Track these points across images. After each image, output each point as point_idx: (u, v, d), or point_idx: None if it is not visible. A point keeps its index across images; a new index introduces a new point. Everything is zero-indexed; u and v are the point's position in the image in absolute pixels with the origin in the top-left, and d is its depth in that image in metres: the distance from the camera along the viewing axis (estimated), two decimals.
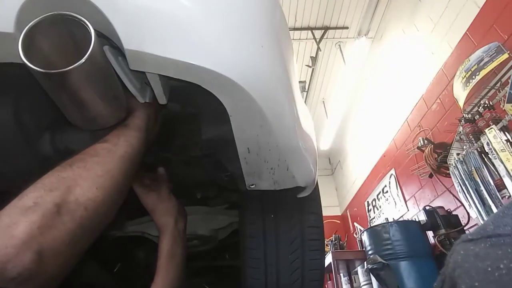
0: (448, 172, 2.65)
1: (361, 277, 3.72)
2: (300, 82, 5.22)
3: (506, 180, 1.96)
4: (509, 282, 0.38)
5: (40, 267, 0.43)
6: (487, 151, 2.14)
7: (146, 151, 0.70)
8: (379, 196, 4.72)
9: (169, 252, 0.89)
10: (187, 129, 0.85)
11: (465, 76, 2.57)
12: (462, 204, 2.51)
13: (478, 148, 2.26)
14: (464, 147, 2.43)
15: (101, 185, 0.53)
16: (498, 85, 2.35)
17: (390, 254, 2.73)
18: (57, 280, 0.48)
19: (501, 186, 2.05)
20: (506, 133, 2.07)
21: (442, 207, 2.98)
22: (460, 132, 2.48)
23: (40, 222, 0.44)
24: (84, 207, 0.49)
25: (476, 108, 2.45)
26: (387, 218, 4.26)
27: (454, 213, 2.92)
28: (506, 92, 2.09)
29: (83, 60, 0.47)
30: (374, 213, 4.88)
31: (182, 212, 0.97)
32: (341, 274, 4.10)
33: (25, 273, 0.41)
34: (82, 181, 0.51)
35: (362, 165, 5.39)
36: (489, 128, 2.13)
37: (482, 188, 2.15)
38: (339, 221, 6.25)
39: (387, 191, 4.45)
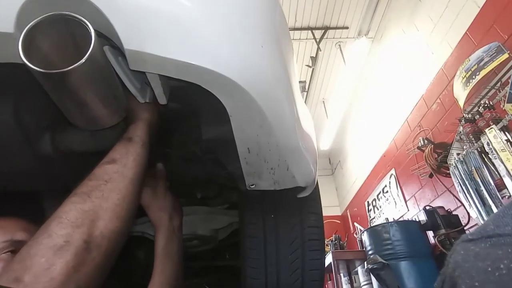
0: (448, 172, 2.65)
1: (361, 277, 3.71)
2: (300, 82, 5.21)
3: (506, 180, 1.96)
4: (509, 282, 0.38)
5: None
6: (487, 151, 2.14)
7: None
8: (379, 196, 4.72)
9: (164, 248, 0.89)
10: (187, 128, 0.85)
11: (465, 76, 2.57)
12: (462, 204, 2.51)
13: (478, 148, 2.26)
14: (464, 147, 2.43)
15: (119, 214, 0.55)
16: (498, 85, 2.35)
17: (390, 254, 2.73)
18: None
19: (501, 186, 2.04)
20: (506, 133, 2.07)
21: (442, 207, 2.98)
22: (460, 132, 2.48)
23: (74, 262, 0.45)
24: (108, 240, 0.51)
25: (476, 108, 2.44)
26: (387, 218, 4.26)
27: (454, 213, 2.92)
28: (506, 92, 2.09)
29: (83, 60, 0.47)
30: (374, 213, 4.88)
31: (177, 209, 0.97)
32: (341, 274, 4.10)
33: None
34: (103, 213, 0.52)
35: (362, 165, 5.39)
36: (489, 128, 2.13)
37: (482, 188, 2.15)
38: (339, 221, 6.25)
39: (387, 191, 4.45)
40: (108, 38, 0.55)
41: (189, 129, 0.84)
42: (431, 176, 3.15)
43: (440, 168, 2.88)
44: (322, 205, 1.16)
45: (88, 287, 0.47)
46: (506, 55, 2.26)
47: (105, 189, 0.55)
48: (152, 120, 0.72)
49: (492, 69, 2.34)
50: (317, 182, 1.03)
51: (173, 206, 0.95)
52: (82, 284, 0.46)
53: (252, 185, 0.85)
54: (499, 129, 2.09)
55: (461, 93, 2.62)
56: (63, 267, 0.44)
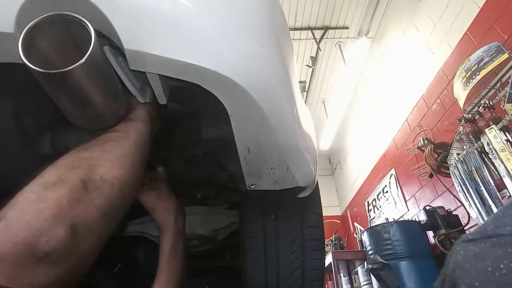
0: (448, 172, 2.65)
1: (361, 277, 3.72)
2: (300, 82, 5.22)
3: (506, 180, 1.96)
4: (510, 282, 0.38)
5: (74, 242, 0.40)
6: (487, 151, 2.14)
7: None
8: (379, 196, 4.72)
9: (171, 249, 0.90)
10: (187, 128, 0.85)
11: (465, 76, 2.57)
12: (462, 204, 2.51)
13: (478, 148, 2.26)
14: (464, 147, 2.43)
15: (123, 165, 0.52)
16: (498, 85, 2.35)
17: (390, 254, 2.73)
18: (89, 261, 0.46)
19: (501, 186, 2.04)
20: (506, 133, 2.07)
21: (442, 207, 2.98)
22: (460, 132, 2.48)
23: (69, 196, 0.42)
24: (110, 184, 0.48)
25: (476, 108, 2.45)
26: (387, 218, 4.26)
27: (454, 213, 2.92)
28: (506, 92, 2.09)
29: (83, 60, 0.47)
30: (374, 213, 4.88)
31: (181, 210, 0.98)
32: (341, 274, 4.10)
33: (59, 248, 0.38)
34: (103, 161, 0.50)
35: (362, 165, 5.39)
36: (489, 128, 2.13)
37: (482, 188, 2.15)
38: (339, 221, 6.25)
39: (387, 191, 4.45)
40: (108, 38, 0.55)
41: (189, 129, 0.84)
42: (431, 176, 3.15)
43: (440, 168, 2.88)
44: (322, 205, 1.16)
45: (88, 229, 0.43)
46: (506, 55, 2.26)
47: (105, 145, 0.53)
48: (154, 116, 0.73)
49: (492, 69, 2.34)
50: (317, 182, 1.02)
51: (177, 207, 0.97)
52: (80, 223, 0.42)
53: (252, 185, 0.85)
54: (499, 129, 2.09)
55: (461, 93, 2.62)
56: (56, 199, 0.41)
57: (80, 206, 0.43)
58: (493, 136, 2.06)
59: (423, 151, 3.07)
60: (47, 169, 0.46)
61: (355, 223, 5.27)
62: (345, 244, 4.64)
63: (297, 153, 0.79)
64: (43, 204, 0.40)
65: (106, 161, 0.50)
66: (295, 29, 4.50)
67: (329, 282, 4.54)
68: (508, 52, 2.27)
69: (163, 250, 0.90)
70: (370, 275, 3.02)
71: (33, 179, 0.45)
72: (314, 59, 4.86)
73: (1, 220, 0.37)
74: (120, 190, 0.50)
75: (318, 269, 1.06)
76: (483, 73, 2.38)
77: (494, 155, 2.06)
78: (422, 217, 2.88)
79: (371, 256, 2.81)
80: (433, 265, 2.64)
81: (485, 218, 2.13)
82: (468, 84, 2.51)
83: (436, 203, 3.17)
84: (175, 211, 0.95)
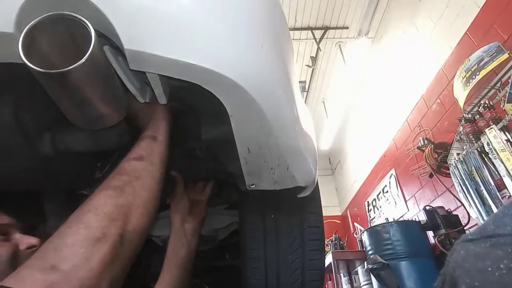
0: (448, 172, 2.65)
1: (362, 277, 3.72)
2: (300, 82, 5.22)
3: (506, 180, 1.96)
4: (510, 282, 0.38)
5: None
6: (487, 151, 2.14)
7: None
8: (379, 196, 4.72)
9: (172, 250, 0.92)
10: (187, 128, 0.85)
11: (465, 76, 2.57)
12: (462, 204, 2.51)
13: (478, 148, 2.26)
14: (464, 147, 2.43)
15: (148, 211, 0.55)
16: (498, 85, 2.35)
17: (390, 254, 2.73)
18: None
19: (501, 186, 2.04)
20: (506, 133, 2.07)
21: (442, 207, 2.98)
22: (460, 132, 2.48)
23: (111, 254, 0.46)
24: (138, 235, 0.52)
25: (476, 108, 2.44)
26: (387, 218, 4.25)
27: (454, 213, 2.92)
28: (506, 92, 2.09)
29: (83, 60, 0.47)
30: (374, 213, 4.88)
31: (195, 214, 1.00)
32: (341, 274, 4.10)
33: None
34: (135, 209, 0.52)
35: (362, 165, 5.39)
36: (489, 128, 2.13)
37: (482, 188, 2.15)
38: (339, 221, 6.25)
39: (387, 191, 4.45)
40: (108, 38, 0.55)
41: (189, 129, 0.84)
42: (431, 176, 3.15)
43: (440, 168, 2.88)
44: (322, 205, 1.16)
45: (119, 280, 0.48)
46: (506, 55, 2.26)
47: (136, 185, 0.55)
48: (171, 121, 0.73)
49: (492, 69, 2.34)
50: (317, 182, 1.02)
51: (190, 209, 0.99)
52: (116, 278, 0.46)
53: (252, 185, 0.85)
54: (499, 129, 2.09)
55: (461, 93, 2.62)
56: (101, 258, 0.44)
57: (117, 262, 0.47)
58: (493, 136, 2.06)
59: (423, 151, 3.07)
60: (90, 214, 0.48)
61: (355, 223, 5.27)
62: (345, 244, 4.64)
63: (297, 153, 0.79)
64: (92, 263, 0.43)
65: (137, 209, 0.53)
66: (295, 29, 4.50)
67: (329, 282, 4.54)
68: (508, 52, 2.26)
69: (167, 250, 0.92)
70: (370, 275, 3.02)
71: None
72: (314, 59, 4.86)
73: (57, 271, 0.40)
74: (143, 237, 0.54)
75: (318, 269, 1.06)
76: (483, 73, 2.38)
77: (494, 155, 2.06)
78: (422, 217, 2.88)
79: (371, 256, 2.81)
80: (433, 265, 2.64)
81: (485, 218, 2.13)
82: (468, 84, 2.51)
83: (436, 203, 3.16)
84: (183, 214, 0.96)
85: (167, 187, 1.02)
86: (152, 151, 0.62)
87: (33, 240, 0.75)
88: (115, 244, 0.46)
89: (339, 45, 4.79)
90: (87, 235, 0.45)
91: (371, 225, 4.35)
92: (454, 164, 2.47)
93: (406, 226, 2.91)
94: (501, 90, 2.25)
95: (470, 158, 2.30)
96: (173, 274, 0.89)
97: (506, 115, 2.12)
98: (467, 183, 2.30)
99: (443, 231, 2.70)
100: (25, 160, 0.73)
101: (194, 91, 0.60)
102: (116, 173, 0.56)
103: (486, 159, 2.19)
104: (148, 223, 0.55)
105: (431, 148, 2.98)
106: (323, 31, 4.55)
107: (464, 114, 2.52)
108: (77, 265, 0.42)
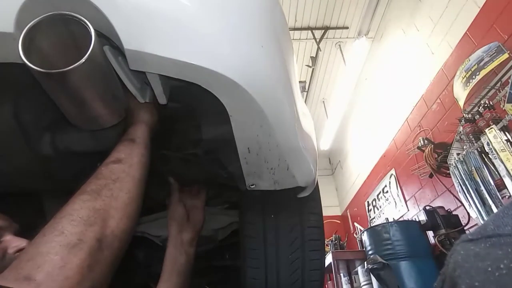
0: (448, 172, 2.65)
1: (361, 277, 3.71)
2: (300, 82, 5.20)
3: (506, 180, 1.96)
4: (510, 282, 0.38)
5: None
6: (487, 151, 2.14)
7: None
8: (379, 196, 4.72)
9: (170, 259, 0.92)
10: (187, 128, 0.85)
11: (465, 76, 2.57)
12: (462, 204, 2.51)
13: (478, 148, 2.26)
14: (464, 147, 2.43)
15: (129, 214, 0.54)
16: (498, 85, 2.35)
17: (390, 254, 2.73)
18: None
19: (501, 186, 2.04)
20: (506, 133, 2.07)
21: (442, 207, 2.98)
22: (460, 132, 2.48)
23: (89, 260, 0.44)
24: (118, 239, 0.51)
25: (476, 108, 2.44)
26: (387, 218, 4.25)
27: (454, 213, 2.92)
28: (506, 92, 2.09)
29: (83, 60, 0.47)
30: (374, 213, 4.88)
31: (192, 223, 0.99)
32: (341, 274, 4.09)
33: None
34: (114, 212, 0.51)
35: (362, 165, 5.39)
36: (489, 128, 2.13)
37: (482, 188, 2.15)
38: (339, 221, 6.25)
39: (387, 191, 4.45)
40: (108, 38, 0.55)
41: (189, 129, 0.84)
42: (431, 176, 3.15)
43: (440, 168, 2.88)
44: (322, 205, 1.16)
45: (102, 286, 0.47)
46: (506, 55, 2.26)
47: (114, 188, 0.54)
48: (153, 121, 0.72)
49: (492, 69, 2.34)
50: (317, 182, 1.02)
51: (188, 219, 0.98)
52: (98, 283, 0.45)
53: (252, 185, 0.85)
54: (499, 129, 2.09)
55: (461, 93, 2.62)
56: (78, 265, 0.43)
57: (97, 267, 0.46)
58: (493, 136, 2.06)
59: (423, 151, 3.07)
60: (64, 220, 0.47)
61: (355, 223, 5.27)
62: (345, 244, 4.64)
63: (297, 153, 0.79)
64: (69, 271, 0.42)
65: (116, 212, 0.52)
66: (295, 29, 4.50)
67: (329, 282, 4.54)
68: (508, 52, 2.26)
69: (165, 257, 0.91)
70: (370, 275, 3.02)
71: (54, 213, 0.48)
72: (314, 59, 4.86)
73: (31, 281, 0.39)
74: (125, 242, 0.53)
75: (318, 269, 1.06)
76: (483, 73, 2.38)
77: (494, 155, 2.06)
78: (422, 217, 2.88)
79: (371, 256, 2.81)
80: (433, 265, 2.64)
81: (485, 218, 2.13)
82: (468, 84, 2.51)
83: (436, 203, 3.16)
84: (179, 222, 0.96)
85: (167, 188, 1.02)
86: (131, 153, 0.61)
87: (23, 243, 0.73)
88: (93, 250, 0.45)
89: (339, 45, 4.79)
90: (62, 242, 0.44)
91: (371, 225, 4.35)
92: (454, 164, 2.47)
93: (406, 226, 2.91)
94: (501, 90, 2.25)
95: (470, 158, 2.30)
96: (173, 282, 0.89)
97: (506, 115, 2.12)
98: (467, 183, 2.30)
99: (443, 231, 2.70)
100: (25, 160, 0.73)
101: (194, 91, 0.60)
102: (92, 177, 0.55)
103: (486, 159, 2.19)
104: (130, 225, 0.54)
105: (431, 148, 2.98)
106: (323, 31, 4.55)
107: (464, 114, 2.52)
108: (52, 274, 0.41)
